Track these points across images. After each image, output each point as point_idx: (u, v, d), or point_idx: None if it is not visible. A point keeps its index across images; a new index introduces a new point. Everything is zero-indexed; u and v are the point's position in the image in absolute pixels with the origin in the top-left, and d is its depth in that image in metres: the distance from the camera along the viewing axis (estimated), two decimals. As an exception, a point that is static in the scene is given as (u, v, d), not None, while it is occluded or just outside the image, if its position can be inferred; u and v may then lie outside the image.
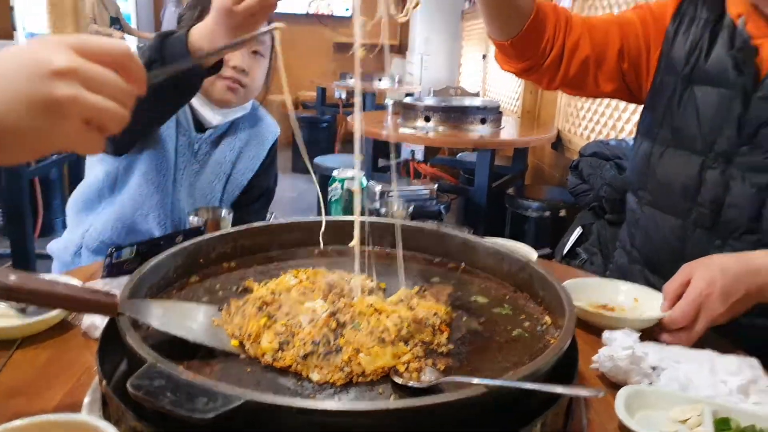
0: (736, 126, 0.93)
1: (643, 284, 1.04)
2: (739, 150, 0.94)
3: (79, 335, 0.83)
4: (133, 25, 7.26)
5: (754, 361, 0.75)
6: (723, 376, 0.72)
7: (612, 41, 1.06)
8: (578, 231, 1.80)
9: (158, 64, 1.02)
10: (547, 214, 2.76)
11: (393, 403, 0.55)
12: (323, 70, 7.40)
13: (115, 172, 1.29)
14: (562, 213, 2.72)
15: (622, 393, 0.67)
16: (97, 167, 1.32)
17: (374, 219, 0.95)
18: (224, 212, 1.18)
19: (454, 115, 2.86)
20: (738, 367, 0.73)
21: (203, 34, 1.00)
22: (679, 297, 0.83)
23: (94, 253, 1.28)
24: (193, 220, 1.14)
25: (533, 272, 0.83)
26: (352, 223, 0.97)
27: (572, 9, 3.18)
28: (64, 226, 1.42)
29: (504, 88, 4.41)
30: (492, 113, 2.91)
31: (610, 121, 2.68)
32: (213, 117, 1.33)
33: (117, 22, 5.79)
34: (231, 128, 1.40)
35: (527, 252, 1.02)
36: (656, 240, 1.06)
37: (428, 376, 0.62)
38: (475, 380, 0.54)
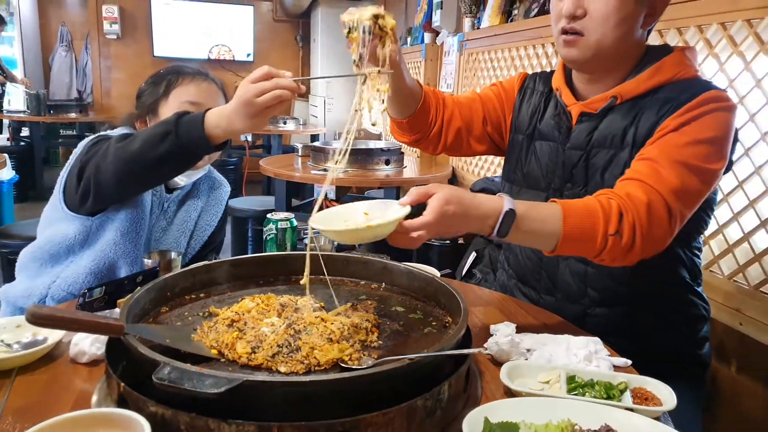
0: (561, 169, 1.25)
1: (520, 296, 1.34)
2: (566, 186, 1.24)
3: (67, 362, 0.96)
4: (20, 70, 7.06)
5: (596, 339, 1.04)
6: (574, 351, 0.99)
7: (476, 112, 1.37)
8: (473, 255, 2.10)
9: (172, 136, 1.16)
10: (448, 241, 3.07)
11: (345, 373, 0.77)
12: (227, 113, 7.51)
13: (87, 230, 1.38)
14: (461, 240, 3.04)
15: (504, 367, 0.92)
16: (61, 225, 1.39)
17: (312, 253, 1.17)
18: (173, 254, 1.35)
19: (361, 157, 3.12)
20: (585, 344, 1.01)
21: (221, 118, 1.14)
22: (418, 198, 0.97)
23: (58, 302, 1.37)
24: (148, 262, 1.29)
25: (438, 286, 1.08)
26: (286, 258, 1.21)
27: (458, 68, 3.58)
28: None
29: (403, 129, 4.74)
30: (395, 154, 3.21)
31: (496, 159, 3.06)
32: (180, 179, 1.50)
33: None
34: (193, 188, 1.58)
35: (432, 272, 1.28)
36: (522, 258, 1.35)
37: (366, 362, 0.85)
38: (401, 357, 0.78)
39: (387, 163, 3.15)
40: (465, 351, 0.83)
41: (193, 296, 1.10)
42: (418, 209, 0.98)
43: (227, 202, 1.68)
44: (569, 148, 1.23)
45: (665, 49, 1.19)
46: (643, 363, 1.00)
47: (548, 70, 1.34)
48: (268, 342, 0.87)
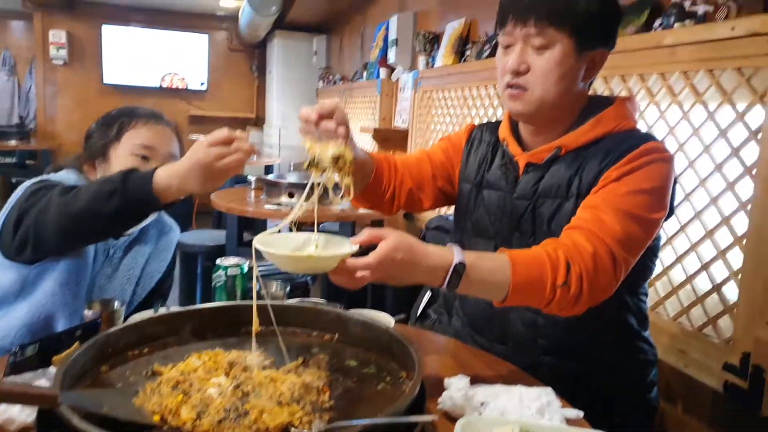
0: (509, 218, 1.27)
1: (472, 343, 1.34)
2: (514, 235, 1.26)
3: (-5, 431, 0.92)
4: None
5: (549, 390, 1.04)
6: (527, 403, 0.99)
7: (425, 172, 1.39)
8: (428, 295, 2.10)
9: (118, 195, 1.12)
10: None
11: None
12: (179, 142, 7.40)
13: (23, 279, 1.31)
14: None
15: (459, 423, 0.91)
16: None
17: (260, 302, 1.14)
18: (117, 304, 1.27)
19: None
20: (538, 395, 1.01)
21: (173, 178, 1.12)
22: (370, 240, 0.96)
23: None
24: (88, 314, 1.22)
25: (391, 338, 1.07)
26: (238, 306, 1.19)
27: (413, 105, 3.63)
28: None
29: (358, 161, 4.76)
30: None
31: (450, 194, 3.09)
32: None
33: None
34: (141, 233, 1.51)
35: (386, 320, 1.27)
36: (475, 306, 1.36)
37: (317, 427, 0.83)
38: (352, 422, 0.76)
39: (342, 197, 3.14)
40: (418, 419, 0.82)
41: (136, 352, 1.05)
42: (368, 251, 0.97)
43: (176, 245, 1.64)
44: (516, 197, 1.25)
45: (606, 101, 1.24)
46: (594, 410, 1.01)
47: (495, 118, 1.36)
48: (215, 406, 0.84)
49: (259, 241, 0.97)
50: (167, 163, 1.44)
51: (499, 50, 1.22)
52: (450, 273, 0.97)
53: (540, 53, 1.14)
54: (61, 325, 1.33)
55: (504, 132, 1.32)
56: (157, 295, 1.55)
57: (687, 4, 1.55)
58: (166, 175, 1.13)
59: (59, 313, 1.33)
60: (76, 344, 1.08)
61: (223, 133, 1.08)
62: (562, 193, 1.18)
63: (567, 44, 1.13)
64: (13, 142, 6.22)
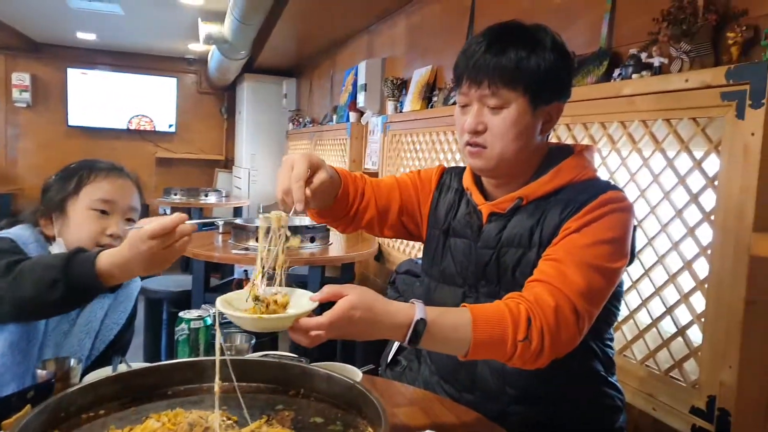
0: (475, 266, 1.27)
1: (441, 392, 1.33)
2: (480, 283, 1.26)
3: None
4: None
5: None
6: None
7: (394, 202, 1.38)
8: (397, 342, 2.08)
9: (61, 284, 1.10)
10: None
11: None
12: (145, 185, 7.26)
13: None
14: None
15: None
16: None
17: (223, 358, 1.11)
18: (73, 362, 1.22)
19: (286, 234, 3.08)
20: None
21: (116, 265, 1.11)
22: (330, 297, 0.97)
23: None
24: (42, 373, 1.16)
25: (358, 392, 1.04)
26: (199, 363, 1.15)
27: (382, 148, 3.67)
28: None
29: (328, 203, 4.76)
30: (320, 231, 3.18)
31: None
32: None
33: None
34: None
35: (353, 373, 1.25)
36: (442, 355, 1.34)
37: (280, 490, 0.80)
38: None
39: (312, 240, 3.13)
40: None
41: (91, 414, 1.01)
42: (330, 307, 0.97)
43: (137, 297, 1.59)
44: (480, 247, 1.25)
45: (566, 150, 1.26)
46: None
47: (463, 163, 1.37)
48: (174, 473, 0.81)
49: (221, 302, 0.98)
50: (127, 216, 1.44)
51: (457, 108, 1.24)
52: (411, 330, 0.98)
53: (496, 113, 1.16)
54: (10, 389, 1.26)
55: (467, 181, 1.33)
56: (117, 347, 1.50)
57: (643, 56, 1.60)
58: (109, 263, 1.11)
59: (8, 375, 1.27)
60: (27, 407, 1.02)
61: (163, 224, 1.06)
62: (525, 243, 1.19)
63: (522, 103, 1.15)
64: (-28, 184, 6.08)
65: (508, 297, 1.08)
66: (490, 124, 1.17)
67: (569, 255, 1.09)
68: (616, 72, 1.69)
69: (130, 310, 1.54)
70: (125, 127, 7.23)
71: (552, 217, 1.17)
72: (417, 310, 0.98)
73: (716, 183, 1.37)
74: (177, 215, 1.09)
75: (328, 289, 0.98)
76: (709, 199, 1.42)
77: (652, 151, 1.59)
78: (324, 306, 0.98)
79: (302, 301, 1.01)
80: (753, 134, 1.27)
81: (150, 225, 1.06)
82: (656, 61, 1.55)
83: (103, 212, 1.41)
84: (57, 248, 1.39)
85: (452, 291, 1.31)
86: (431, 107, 3.10)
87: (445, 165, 2.66)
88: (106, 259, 1.11)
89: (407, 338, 0.98)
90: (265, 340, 2.76)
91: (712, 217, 1.39)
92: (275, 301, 1.01)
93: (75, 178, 1.41)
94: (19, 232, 1.37)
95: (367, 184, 1.36)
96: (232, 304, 1.00)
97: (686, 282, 1.49)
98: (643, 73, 1.58)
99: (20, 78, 6.79)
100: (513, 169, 1.22)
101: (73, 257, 1.13)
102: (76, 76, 6.98)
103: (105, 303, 1.47)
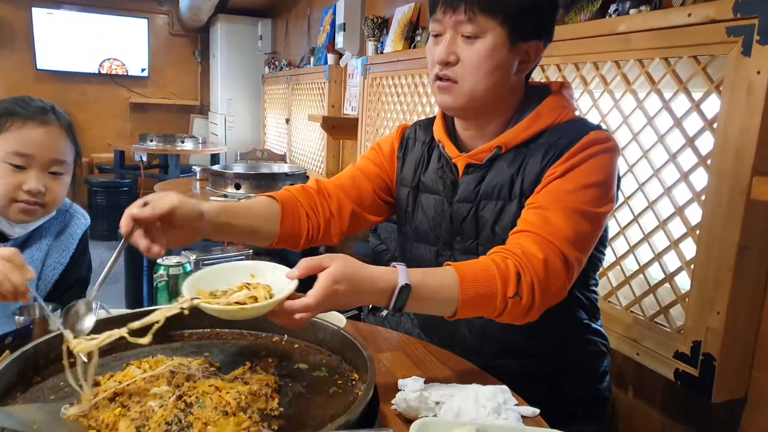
0: (450, 222, 1.22)
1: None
2: (455, 239, 1.22)
3: None
4: None
5: (504, 388, 1.01)
6: (483, 402, 0.96)
7: (363, 187, 1.31)
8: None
9: None
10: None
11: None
12: (120, 131, 7.13)
13: None
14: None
15: (414, 426, 0.87)
16: None
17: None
18: (50, 308, 1.20)
19: (264, 182, 3.02)
20: (493, 394, 0.98)
21: None
22: (308, 272, 0.91)
23: None
24: (20, 320, 1.14)
25: (343, 338, 1.02)
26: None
27: (362, 92, 3.57)
28: None
29: (308, 149, 4.69)
30: (299, 178, 3.13)
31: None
32: (13, 231, 1.33)
33: None
34: (38, 229, 1.39)
35: (337, 318, 1.22)
36: None
37: (265, 437, 0.77)
38: (305, 435, 0.71)
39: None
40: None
41: (71, 360, 0.96)
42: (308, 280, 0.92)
43: (85, 236, 1.51)
44: (457, 201, 1.20)
45: (543, 91, 1.19)
46: (548, 405, 0.99)
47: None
48: (155, 419, 0.77)
49: (187, 286, 0.91)
50: (50, 170, 1.32)
51: (430, 39, 1.16)
52: (395, 296, 0.93)
53: (470, 43, 1.09)
54: None
55: (439, 133, 1.26)
56: (65, 286, 1.44)
57: (643, -11, 1.53)
58: None
59: None
60: (6, 353, 0.99)
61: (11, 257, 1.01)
62: (505, 195, 1.14)
63: (499, 33, 1.07)
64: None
65: (493, 251, 1.04)
66: (463, 55, 1.10)
67: (554, 202, 1.05)
68: (612, 8, 1.61)
69: (73, 249, 1.47)
70: (96, 71, 6.96)
71: (533, 164, 1.12)
72: (400, 274, 0.94)
73: (715, 125, 1.33)
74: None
75: (305, 263, 0.91)
76: (705, 143, 1.39)
77: (647, 92, 1.54)
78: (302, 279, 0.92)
79: (277, 278, 0.94)
80: (759, 72, 1.21)
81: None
82: (657, -6, 1.48)
83: (18, 167, 1.29)
84: None
85: (426, 249, 1.27)
86: (414, 47, 3.00)
87: (428, 110, 2.61)
88: None
89: (392, 304, 0.94)
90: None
91: (708, 162, 1.35)
92: (249, 287, 0.93)
93: None
94: None
95: (329, 186, 1.29)
96: (203, 286, 0.93)
97: (677, 228, 1.48)
98: (642, 8, 1.51)
99: (-18, 18, 6.46)
100: (486, 109, 1.16)
101: None
102: (41, 16, 6.64)
103: (43, 245, 1.41)
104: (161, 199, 0.99)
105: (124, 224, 0.97)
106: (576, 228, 1.04)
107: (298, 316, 0.88)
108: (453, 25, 1.09)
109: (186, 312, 0.89)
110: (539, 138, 1.13)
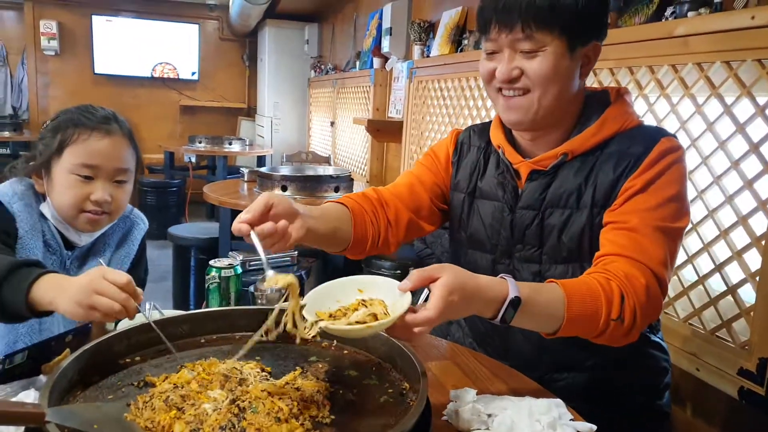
0: (510, 229, 1.19)
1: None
2: (515, 247, 1.19)
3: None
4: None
5: (559, 402, 0.99)
6: (537, 416, 0.94)
7: (420, 196, 1.30)
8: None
9: None
10: (399, 272, 3.01)
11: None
12: (170, 132, 7.33)
13: None
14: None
15: (466, 438, 0.87)
16: None
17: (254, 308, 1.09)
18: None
19: (310, 184, 3.04)
20: (547, 408, 0.96)
21: (51, 290, 0.99)
22: (421, 283, 0.89)
23: None
24: None
25: (393, 345, 1.01)
26: (232, 312, 1.13)
27: (407, 95, 3.56)
28: None
29: (352, 152, 4.71)
30: (344, 181, 3.14)
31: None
32: (80, 239, 1.36)
33: None
34: (101, 237, 1.42)
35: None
36: (476, 318, 1.30)
37: (318, 445, 0.77)
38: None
39: (336, 190, 3.09)
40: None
41: (127, 360, 1.00)
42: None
43: (144, 238, 1.54)
44: (520, 207, 1.18)
45: (603, 97, 1.17)
46: (605, 420, 0.97)
47: (494, 110, 1.29)
48: (210, 423, 0.78)
49: (307, 310, 0.90)
50: (115, 179, 1.33)
51: (483, 56, 1.15)
52: (505, 308, 0.91)
53: (531, 57, 1.07)
54: (19, 346, 1.24)
55: (498, 138, 1.24)
56: None
57: (703, -9, 1.48)
58: (49, 285, 0.99)
59: (12, 335, 1.26)
60: (66, 351, 1.03)
61: (122, 280, 0.97)
62: (573, 203, 1.12)
63: (558, 45, 1.06)
64: (6, 134, 6.12)
65: (593, 272, 1.02)
66: (526, 68, 1.08)
67: (641, 221, 1.04)
68: (669, 10, 1.56)
69: (134, 254, 1.49)
70: (149, 75, 7.18)
71: (605, 173, 1.09)
72: (510, 287, 0.91)
73: (782, 131, 1.28)
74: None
75: (417, 275, 0.89)
76: (771, 149, 1.33)
77: (707, 97, 1.48)
78: None
79: (387, 290, 0.94)
80: (826, 76, 1.16)
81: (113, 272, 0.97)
82: (718, -4, 1.42)
83: (87, 178, 1.31)
84: (46, 208, 1.33)
85: (481, 256, 1.25)
86: (461, 51, 2.98)
87: (475, 113, 2.58)
88: (47, 281, 1.00)
89: (500, 316, 0.92)
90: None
91: (775, 169, 1.30)
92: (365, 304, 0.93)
93: (59, 134, 1.30)
94: (6, 189, 1.31)
95: (386, 195, 1.28)
96: (319, 307, 0.92)
97: (740, 238, 1.42)
98: (701, 10, 1.46)
99: (48, 26, 6.74)
100: (552, 120, 1.14)
101: (22, 267, 1.02)
102: (101, 23, 6.91)
103: (107, 252, 1.44)
104: (255, 201, 0.99)
105: (241, 227, 0.96)
106: (665, 248, 1.03)
107: (417, 329, 0.86)
108: (510, 43, 1.08)
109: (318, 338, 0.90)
110: (607, 146, 1.11)
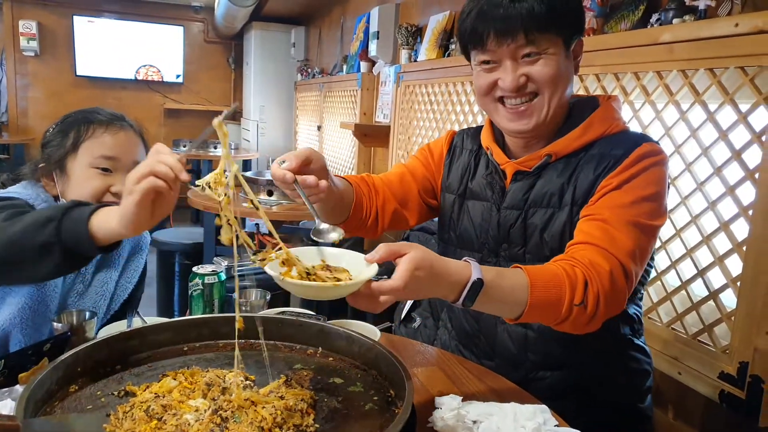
0: (497, 229, 1.21)
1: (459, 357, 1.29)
2: (501, 246, 1.21)
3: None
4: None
5: (544, 407, 0.99)
6: (522, 422, 0.94)
7: (409, 187, 1.32)
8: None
9: (54, 224, 0.95)
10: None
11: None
12: (154, 136, 7.23)
13: None
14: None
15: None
16: None
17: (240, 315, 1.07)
18: (87, 315, 1.21)
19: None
20: (532, 414, 0.96)
21: (108, 216, 0.95)
22: (389, 256, 0.88)
23: None
24: (58, 327, 1.15)
25: (378, 352, 1.01)
26: (215, 319, 1.12)
27: (395, 100, 3.56)
28: None
29: (339, 157, 4.69)
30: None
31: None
32: None
33: None
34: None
35: (372, 332, 1.21)
36: (463, 321, 1.31)
37: (302, 455, 0.76)
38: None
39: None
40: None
41: (108, 369, 0.98)
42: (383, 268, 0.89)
43: (147, 251, 1.54)
44: (505, 207, 1.20)
45: (591, 102, 1.19)
46: (588, 422, 0.98)
47: (481, 115, 1.30)
48: (191, 434, 0.77)
49: (271, 268, 0.88)
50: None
51: (477, 68, 1.16)
52: (467, 290, 0.91)
53: (533, 61, 1.09)
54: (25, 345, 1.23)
55: (486, 140, 1.27)
56: (130, 306, 1.46)
57: (687, -1, 1.49)
58: (105, 213, 0.96)
59: (18, 334, 1.23)
60: (44, 360, 1.01)
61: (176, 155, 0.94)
62: (555, 203, 1.14)
63: (558, 45, 1.09)
64: (-15, 136, 6.04)
65: (559, 259, 1.03)
66: (531, 73, 1.10)
67: (614, 215, 1.04)
68: (654, 17, 1.57)
69: (141, 267, 1.50)
70: (133, 77, 7.11)
71: (586, 173, 1.11)
72: (473, 269, 0.91)
73: (763, 138, 1.29)
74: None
75: (384, 249, 0.88)
76: (753, 156, 1.34)
77: (690, 104, 1.50)
78: None
79: (355, 264, 0.93)
80: (809, 84, 1.17)
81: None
82: (701, 4, 1.43)
83: (105, 170, 1.31)
84: None
85: (470, 255, 1.25)
86: (448, 56, 2.98)
87: (462, 119, 2.59)
88: (104, 210, 0.97)
89: (462, 298, 0.91)
90: (278, 293, 2.75)
91: (756, 175, 1.31)
92: (326, 268, 0.93)
93: (72, 132, 1.31)
94: (19, 191, 1.29)
95: (377, 181, 1.30)
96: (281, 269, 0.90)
97: (722, 244, 1.43)
98: (686, 17, 1.47)
99: (27, 26, 6.64)
100: (553, 122, 1.16)
101: (77, 205, 1.00)
102: (82, 24, 6.82)
103: (120, 262, 1.43)
104: (298, 150, 0.99)
105: (286, 175, 0.95)
106: (637, 242, 1.03)
107: (383, 298, 0.85)
108: (511, 52, 1.09)
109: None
110: (591, 148, 1.13)
